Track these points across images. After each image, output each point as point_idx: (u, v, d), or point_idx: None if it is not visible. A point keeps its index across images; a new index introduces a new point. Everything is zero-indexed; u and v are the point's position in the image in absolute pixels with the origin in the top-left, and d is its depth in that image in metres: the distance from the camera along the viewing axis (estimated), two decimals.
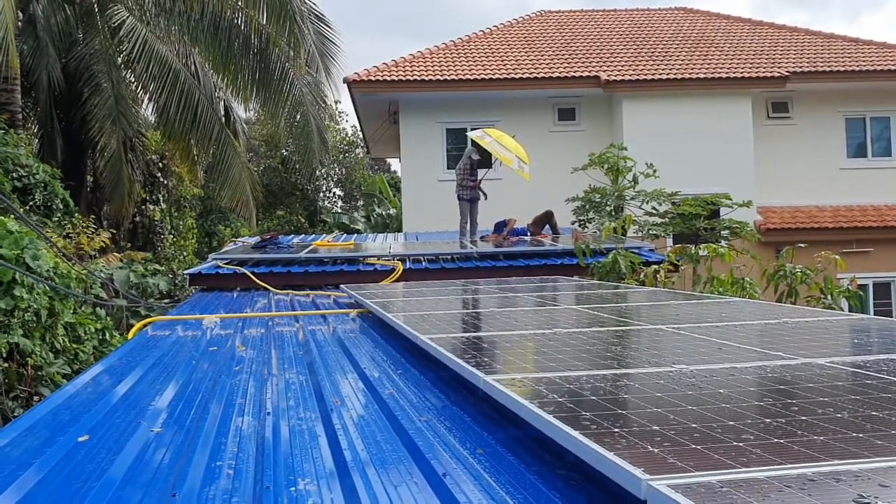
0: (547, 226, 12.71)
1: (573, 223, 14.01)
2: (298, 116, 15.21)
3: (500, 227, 12.26)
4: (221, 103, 18.43)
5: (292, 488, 1.95)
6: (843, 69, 17.39)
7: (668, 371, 2.49)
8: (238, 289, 8.35)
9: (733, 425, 1.79)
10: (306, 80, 14.94)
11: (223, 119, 16.98)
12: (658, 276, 7.94)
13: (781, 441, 1.66)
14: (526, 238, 11.82)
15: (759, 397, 2.10)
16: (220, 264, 9.04)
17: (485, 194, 12.22)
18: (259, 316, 6.08)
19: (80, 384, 3.53)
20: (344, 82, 16.49)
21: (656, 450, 1.61)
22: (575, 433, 1.75)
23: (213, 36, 14.60)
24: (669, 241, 13.65)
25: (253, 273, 8.50)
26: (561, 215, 13.44)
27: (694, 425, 1.80)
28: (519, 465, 2.08)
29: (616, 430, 1.78)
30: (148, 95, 15.47)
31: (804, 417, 1.87)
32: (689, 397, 2.10)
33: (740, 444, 1.64)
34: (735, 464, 1.50)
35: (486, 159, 12.55)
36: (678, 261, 8.76)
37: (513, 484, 1.92)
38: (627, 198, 13.73)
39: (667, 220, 13.41)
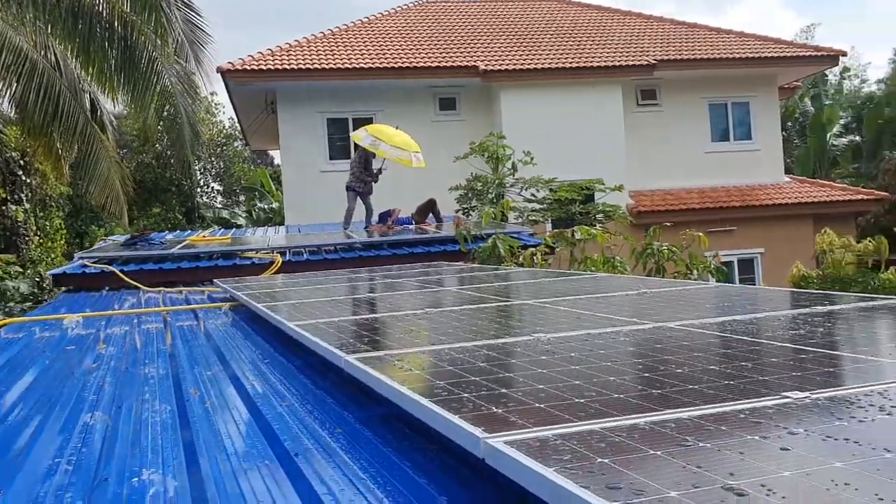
0: (431, 214, 12.76)
1: (457, 211, 14.15)
2: (169, 108, 14.57)
3: (384, 217, 12.21)
4: (87, 96, 17.42)
5: (134, 479, 1.85)
6: (705, 57, 18.32)
7: (525, 340, 2.53)
8: (107, 288, 7.95)
9: (578, 384, 1.83)
10: (175, 69, 14.31)
11: (89, 112, 16.08)
12: (535, 258, 8.13)
13: (620, 396, 1.71)
14: (410, 227, 11.83)
15: (605, 358, 2.16)
16: (87, 263, 8.58)
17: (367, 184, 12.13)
18: (125, 314, 5.80)
19: None
20: (217, 72, 15.94)
21: (500, 411, 1.62)
22: (424, 401, 1.74)
23: (72, 24, 13.75)
24: (549, 226, 14.01)
25: (122, 271, 8.12)
26: (445, 204, 13.53)
27: (541, 387, 1.83)
28: (376, 440, 2.06)
29: (465, 395, 1.79)
30: (3, 88, 14.42)
31: (647, 374, 1.93)
32: (541, 362, 2.14)
33: (581, 400, 1.68)
34: (572, 418, 1.53)
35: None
36: (554, 244, 9.00)
37: (367, 459, 1.90)
38: (508, 185, 13.98)
39: (545, 205, 13.76)
